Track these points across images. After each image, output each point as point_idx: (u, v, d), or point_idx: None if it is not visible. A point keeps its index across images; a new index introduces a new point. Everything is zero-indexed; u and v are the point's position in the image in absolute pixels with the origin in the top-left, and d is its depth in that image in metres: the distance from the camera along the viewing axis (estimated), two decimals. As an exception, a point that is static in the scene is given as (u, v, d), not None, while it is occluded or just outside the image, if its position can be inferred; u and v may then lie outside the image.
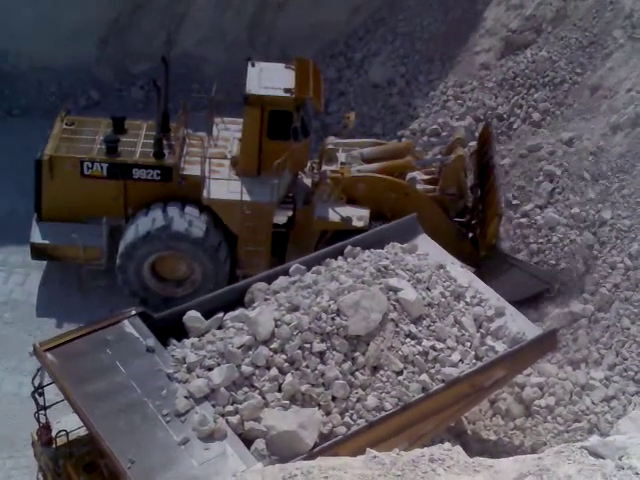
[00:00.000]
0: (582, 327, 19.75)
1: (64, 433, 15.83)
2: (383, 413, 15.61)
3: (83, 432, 15.76)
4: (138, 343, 15.94)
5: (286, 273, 17.51)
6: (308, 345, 15.75)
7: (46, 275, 22.95)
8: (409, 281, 17.14)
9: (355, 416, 15.55)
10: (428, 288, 17.34)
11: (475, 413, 18.71)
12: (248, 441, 14.79)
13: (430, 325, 16.80)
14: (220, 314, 16.62)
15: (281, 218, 22.97)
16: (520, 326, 17.56)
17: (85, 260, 22.21)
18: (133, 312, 16.43)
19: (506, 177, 23.40)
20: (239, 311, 16.60)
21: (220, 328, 16.43)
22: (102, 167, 21.82)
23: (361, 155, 23.06)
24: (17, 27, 27.11)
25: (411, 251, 18.25)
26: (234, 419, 14.95)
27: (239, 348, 15.65)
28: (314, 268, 17.60)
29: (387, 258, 17.59)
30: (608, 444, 10.43)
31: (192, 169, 22.14)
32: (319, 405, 15.43)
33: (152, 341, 15.92)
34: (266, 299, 16.84)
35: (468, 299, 17.73)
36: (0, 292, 22.52)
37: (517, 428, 18.45)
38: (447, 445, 11.20)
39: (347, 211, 21.99)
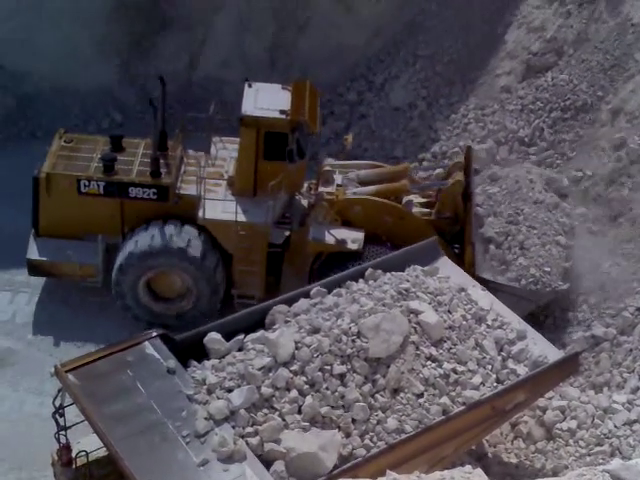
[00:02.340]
0: (604, 350, 19.68)
1: (84, 454, 15.89)
2: (403, 435, 15.55)
3: (103, 453, 15.74)
4: (159, 364, 15.94)
5: (307, 295, 17.48)
6: (328, 367, 15.72)
7: (67, 295, 23.00)
8: (430, 304, 17.12)
9: (375, 438, 15.50)
10: (449, 311, 17.32)
11: (496, 436, 18.61)
12: (268, 463, 14.74)
13: (451, 348, 16.76)
14: (241, 336, 16.60)
15: (279, 238, 22.89)
16: (542, 349, 17.47)
17: (81, 277, 22.33)
18: (154, 334, 16.45)
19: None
20: (260, 333, 16.57)
21: (240, 350, 16.41)
22: (99, 185, 21.94)
23: (358, 177, 23.05)
24: (40, 49, 27.30)
25: (432, 274, 18.21)
26: (254, 440, 14.90)
27: (259, 370, 15.62)
28: (335, 290, 17.56)
29: (408, 281, 17.55)
30: (630, 468, 10.39)
31: (188, 189, 22.20)
32: (339, 427, 15.39)
33: (173, 362, 15.92)
34: (287, 321, 16.80)
35: (489, 322, 17.67)
36: (23, 313, 22.60)
37: (538, 451, 18.32)
38: (468, 468, 11.16)
39: (342, 233, 21.95)
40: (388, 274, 17.89)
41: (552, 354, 17.57)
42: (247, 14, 28.51)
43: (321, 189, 22.60)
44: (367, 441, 15.47)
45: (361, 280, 17.89)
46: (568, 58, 25.53)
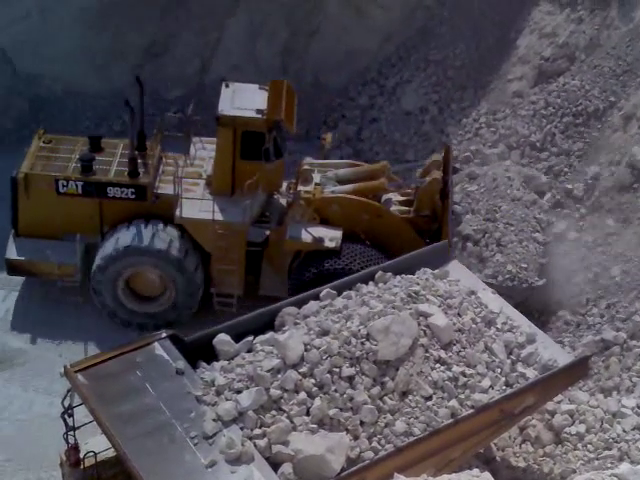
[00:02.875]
0: (614, 354, 19.63)
1: (92, 454, 15.94)
2: (411, 438, 15.50)
3: (111, 453, 15.77)
4: (168, 365, 15.96)
5: (316, 297, 17.47)
6: (337, 369, 15.70)
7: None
8: (440, 307, 17.07)
9: (383, 441, 15.46)
10: (459, 314, 17.26)
11: (504, 439, 18.55)
12: (275, 465, 14.74)
13: (460, 351, 16.70)
14: (250, 337, 16.60)
15: (258, 237, 22.91)
16: (551, 353, 17.43)
17: (59, 277, 22.39)
18: (163, 335, 16.48)
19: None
20: (269, 335, 16.57)
21: (250, 351, 16.41)
22: (77, 185, 22.07)
23: (336, 176, 23.10)
24: (52, 52, 27.43)
25: (442, 277, 18.19)
26: (262, 442, 14.90)
27: (268, 372, 15.61)
28: (345, 293, 17.55)
29: (418, 284, 17.52)
30: (638, 472, 10.34)
31: (166, 188, 22.30)
32: (347, 429, 15.36)
33: (182, 363, 15.95)
34: (296, 323, 16.81)
35: (499, 325, 17.63)
36: (33, 312, 22.67)
37: (547, 455, 18.26)
38: (476, 471, 11.15)
39: (320, 231, 22.02)
40: (398, 277, 17.86)
41: (562, 358, 17.53)
42: (259, 19, 28.57)
43: (300, 188, 22.64)
44: (375, 444, 15.44)
45: (371, 282, 17.87)
46: (580, 64, 25.52)
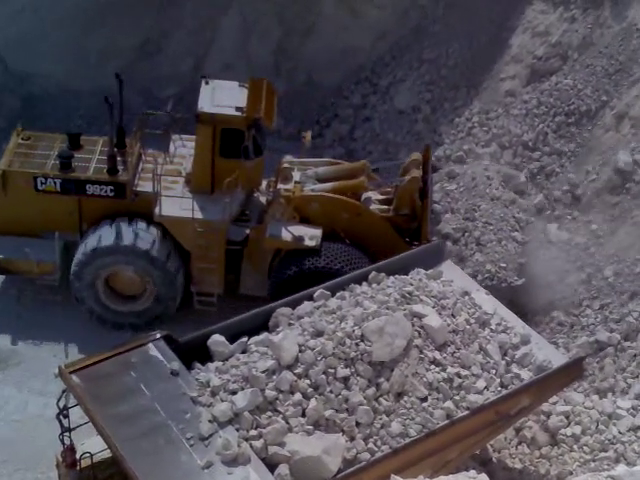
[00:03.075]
0: (609, 356, 19.67)
1: (88, 455, 15.92)
2: (407, 439, 15.54)
3: (107, 454, 15.77)
4: (162, 366, 15.95)
5: (310, 298, 17.47)
6: (332, 370, 15.71)
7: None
8: (434, 307, 17.10)
9: (379, 442, 15.48)
10: (453, 315, 17.30)
11: (500, 441, 18.60)
12: (271, 466, 14.74)
13: (455, 352, 16.74)
14: (244, 338, 16.60)
15: (238, 236, 22.81)
16: (546, 354, 17.46)
17: (38, 275, 22.32)
18: (158, 335, 16.46)
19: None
20: (263, 336, 16.57)
21: (244, 352, 16.41)
22: (55, 183, 21.94)
23: (316, 174, 23.10)
24: (45, 50, 27.36)
25: (436, 277, 18.22)
26: (258, 443, 14.90)
27: (263, 372, 15.62)
28: (338, 293, 17.56)
29: (412, 284, 17.55)
30: (635, 474, 10.40)
31: (146, 186, 22.23)
32: (343, 431, 15.37)
33: (176, 364, 15.93)
34: (290, 324, 16.80)
35: (493, 326, 17.66)
36: (29, 313, 22.61)
37: (543, 457, 18.32)
38: (472, 473, 11.15)
39: (299, 230, 22.01)
40: (392, 277, 17.87)
41: (556, 359, 17.56)
42: (252, 17, 28.53)
43: (280, 186, 22.63)
44: (371, 445, 15.46)
45: (365, 283, 17.88)
46: (573, 63, 25.54)
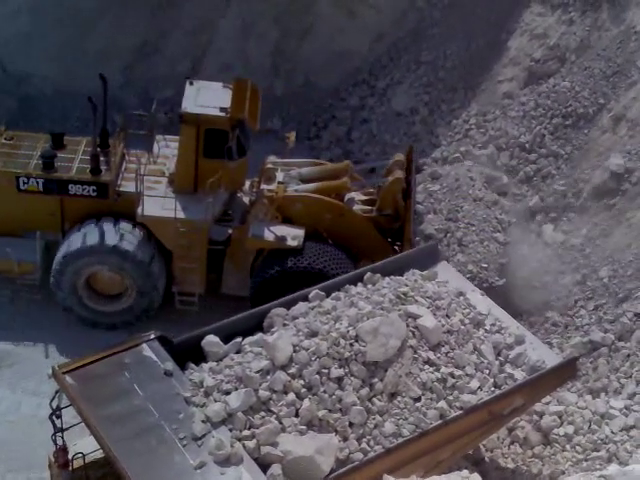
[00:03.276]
0: (602, 356, 19.67)
1: (81, 455, 15.91)
2: (400, 439, 15.54)
3: (100, 455, 15.76)
4: (156, 367, 15.95)
5: (305, 299, 17.47)
6: (326, 370, 15.72)
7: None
8: (428, 308, 17.12)
9: (372, 442, 15.48)
10: (447, 315, 17.32)
11: (493, 441, 18.62)
12: (264, 466, 14.74)
13: (449, 352, 16.75)
14: (239, 339, 16.61)
15: (221, 236, 22.82)
16: (540, 354, 17.46)
17: (19, 274, 22.27)
18: (152, 336, 16.46)
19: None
20: (258, 336, 16.57)
21: (238, 353, 16.42)
22: (38, 182, 21.88)
23: (299, 175, 23.08)
24: (42, 51, 27.36)
25: (431, 278, 18.22)
26: (251, 444, 14.90)
27: (257, 373, 15.62)
28: (333, 294, 17.55)
29: (407, 285, 17.57)
30: (627, 473, 10.41)
31: (128, 186, 22.21)
32: (336, 431, 15.38)
33: (170, 365, 15.94)
34: (285, 324, 16.81)
35: (487, 327, 17.67)
36: (23, 314, 22.56)
37: (535, 456, 18.32)
38: (465, 473, 11.15)
39: (282, 230, 21.99)
40: (387, 278, 17.89)
41: (550, 359, 17.56)
42: (250, 19, 28.54)
43: (263, 187, 22.62)
44: (364, 445, 15.47)
45: (359, 284, 17.89)
46: (570, 65, 25.55)
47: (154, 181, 22.40)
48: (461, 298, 17.94)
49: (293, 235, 21.91)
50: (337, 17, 28.52)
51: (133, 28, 28.00)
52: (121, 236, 21.69)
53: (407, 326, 16.47)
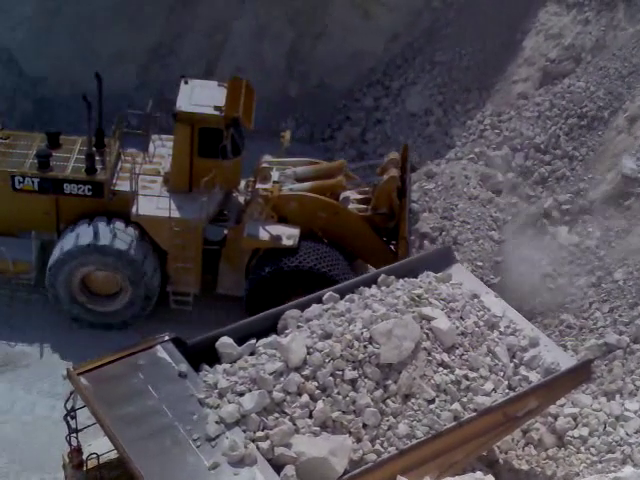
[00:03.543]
0: (617, 358, 19.58)
1: (95, 456, 15.98)
2: (414, 441, 15.56)
3: (114, 455, 15.83)
4: (170, 368, 16.01)
5: (319, 301, 17.49)
6: (340, 372, 15.75)
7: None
8: (443, 310, 17.11)
9: (386, 443, 15.51)
10: (462, 317, 17.31)
11: (507, 442, 18.58)
12: (278, 467, 14.78)
13: (463, 354, 16.75)
14: (253, 340, 16.65)
15: (216, 235, 22.77)
16: (554, 356, 17.45)
17: (14, 274, 22.28)
18: (166, 337, 16.52)
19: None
20: (272, 338, 16.61)
21: (252, 354, 16.45)
22: (33, 182, 21.88)
23: (294, 174, 23.08)
24: (57, 53, 27.46)
25: (445, 280, 18.21)
26: (264, 445, 14.93)
27: (271, 374, 15.66)
28: (347, 296, 17.57)
29: (421, 287, 17.57)
30: (641, 475, 10.33)
31: (123, 185, 22.18)
32: (350, 432, 15.40)
33: (184, 366, 15.99)
34: (299, 326, 16.84)
35: (502, 329, 17.65)
36: (38, 315, 22.62)
37: (550, 458, 18.28)
38: (479, 474, 11.13)
39: (277, 229, 21.98)
40: (401, 280, 17.90)
41: (564, 361, 17.55)
42: (265, 20, 28.58)
43: (258, 186, 22.60)
44: (378, 446, 15.50)
45: (374, 286, 17.91)
46: (586, 65, 25.48)
47: (149, 180, 22.43)
48: (475, 300, 17.93)
49: (288, 234, 21.91)
50: (351, 18, 28.53)
51: (148, 30, 28.08)
52: (114, 235, 21.67)
53: (421, 328, 16.49)
